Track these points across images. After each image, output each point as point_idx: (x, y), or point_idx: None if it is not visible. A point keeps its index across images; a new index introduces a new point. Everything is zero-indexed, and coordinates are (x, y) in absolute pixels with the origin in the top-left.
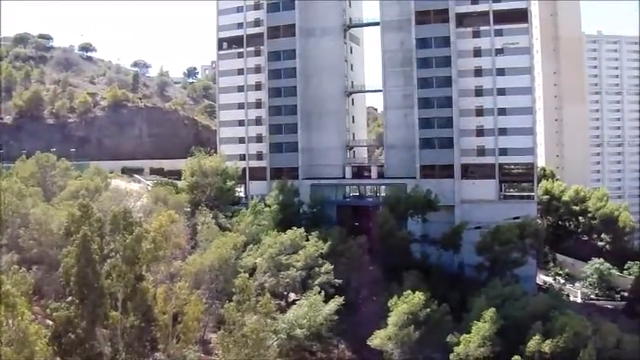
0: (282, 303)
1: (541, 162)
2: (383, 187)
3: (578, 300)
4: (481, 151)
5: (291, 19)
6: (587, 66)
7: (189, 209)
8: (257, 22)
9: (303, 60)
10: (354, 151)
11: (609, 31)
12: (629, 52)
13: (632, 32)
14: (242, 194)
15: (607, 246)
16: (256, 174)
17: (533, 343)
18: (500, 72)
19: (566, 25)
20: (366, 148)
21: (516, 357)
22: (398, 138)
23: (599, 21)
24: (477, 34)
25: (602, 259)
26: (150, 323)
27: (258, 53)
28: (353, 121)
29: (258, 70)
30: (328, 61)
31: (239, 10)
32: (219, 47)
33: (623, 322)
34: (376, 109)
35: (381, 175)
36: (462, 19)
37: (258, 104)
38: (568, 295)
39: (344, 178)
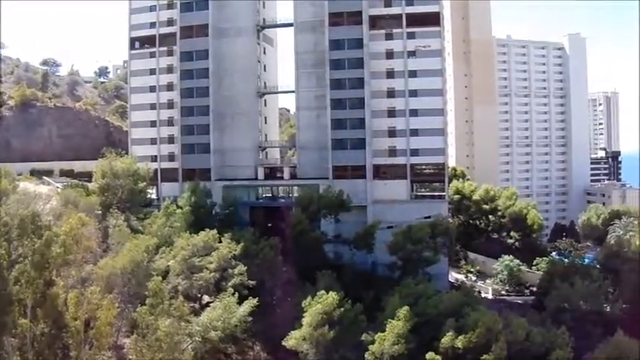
0: (196, 305)
1: (452, 162)
2: (295, 187)
3: (490, 296)
4: (393, 152)
5: (204, 19)
6: (497, 69)
7: (100, 212)
8: (170, 22)
9: (216, 60)
10: (266, 152)
11: (518, 36)
12: (536, 56)
13: (540, 37)
14: (154, 196)
15: (516, 243)
16: (168, 175)
17: (446, 339)
18: (412, 74)
19: (477, 29)
20: (278, 149)
21: (430, 353)
22: (310, 139)
23: (509, 26)
24: (389, 37)
25: (511, 256)
26: (61, 330)
27: (170, 53)
28: (265, 122)
29: (170, 70)
30: (241, 61)
31: (152, 9)
32: (131, 46)
33: (532, 316)
34: (289, 110)
35: (293, 176)
36: (375, 22)
37: (170, 105)
38: (479, 292)
39: (256, 179)
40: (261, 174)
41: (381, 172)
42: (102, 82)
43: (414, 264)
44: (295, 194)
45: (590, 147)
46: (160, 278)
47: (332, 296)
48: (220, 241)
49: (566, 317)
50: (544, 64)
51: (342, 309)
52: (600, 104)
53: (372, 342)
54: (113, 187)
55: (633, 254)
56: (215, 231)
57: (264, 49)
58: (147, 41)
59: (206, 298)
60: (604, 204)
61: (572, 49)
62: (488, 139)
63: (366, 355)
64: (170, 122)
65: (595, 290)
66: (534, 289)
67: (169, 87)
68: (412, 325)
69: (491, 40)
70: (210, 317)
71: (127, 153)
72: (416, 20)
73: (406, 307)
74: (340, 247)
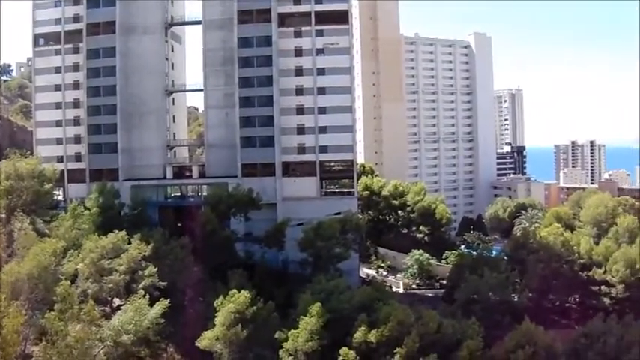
0: (107, 309)
1: (361, 159)
2: (205, 186)
3: (401, 290)
4: (302, 149)
5: (111, 16)
6: (405, 67)
7: (4, 215)
8: (76, 18)
9: (124, 58)
10: (174, 151)
11: (426, 34)
12: (443, 54)
13: (447, 35)
14: (61, 198)
15: (426, 237)
16: (75, 176)
17: (359, 334)
18: (321, 71)
19: (385, 27)
20: (187, 147)
21: (344, 348)
22: (219, 137)
23: (416, 24)
24: (298, 34)
25: (421, 250)
26: None
27: (76, 50)
28: (174, 121)
29: (76, 68)
30: (149, 59)
31: (57, 4)
32: (36, 44)
33: (443, 308)
34: (197, 109)
35: (202, 175)
36: (284, 20)
37: (76, 104)
38: (391, 286)
39: (165, 178)
40: (169, 173)
41: (290, 170)
42: (5, 81)
43: (325, 260)
44: (204, 193)
45: (496, 142)
46: (68, 282)
47: (244, 295)
48: (130, 243)
49: (476, 308)
50: (451, 61)
51: (255, 307)
52: (506, 101)
53: (286, 339)
54: (18, 190)
55: (538, 245)
56: (124, 232)
57: (173, 46)
58: (52, 38)
59: (117, 301)
60: (510, 197)
61: (478, 47)
62: (397, 136)
63: (280, 353)
64: (76, 122)
65: (503, 281)
66: (444, 281)
67: (75, 85)
68: (325, 321)
69: (400, 38)
70: (122, 320)
71: (32, 154)
72: (325, 18)
73: (318, 304)
74: (251, 245)
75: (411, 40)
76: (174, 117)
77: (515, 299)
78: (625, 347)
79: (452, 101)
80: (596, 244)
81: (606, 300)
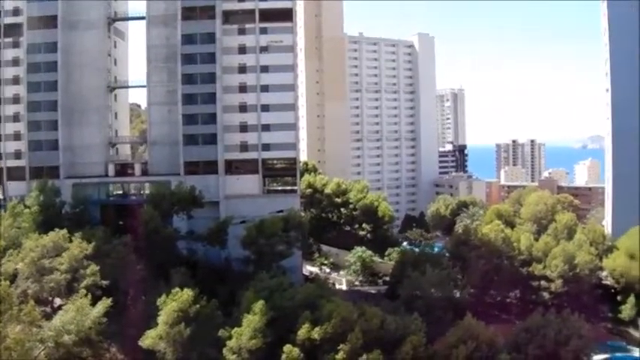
0: (48, 309)
1: (303, 156)
2: (147, 184)
3: (344, 287)
4: (245, 147)
5: (53, 10)
6: (349, 65)
7: None
8: (16, 12)
9: (65, 53)
10: (117, 149)
11: (370, 33)
12: (387, 53)
13: (391, 35)
14: (0, 196)
15: (368, 235)
16: (15, 174)
17: (303, 331)
18: (265, 69)
19: (329, 26)
20: (129, 145)
21: (288, 346)
22: (162, 134)
23: (361, 23)
24: (242, 32)
25: (364, 248)
26: None
27: (16, 45)
28: (116, 118)
29: (16, 62)
30: (91, 55)
31: None
32: None
33: (385, 305)
34: (140, 106)
35: (145, 173)
36: (228, 17)
37: (16, 99)
38: (334, 284)
39: (107, 176)
40: (111, 171)
41: (233, 168)
42: None
43: (268, 258)
44: (147, 191)
45: (438, 141)
46: (7, 282)
47: (187, 293)
48: (71, 241)
49: (419, 304)
50: (394, 61)
51: (198, 306)
52: (448, 100)
53: (230, 337)
54: None
55: (480, 242)
56: (65, 231)
57: (115, 42)
58: None
59: (58, 301)
60: (452, 195)
61: (421, 47)
62: (340, 134)
63: (224, 351)
64: (16, 118)
65: (445, 277)
66: (387, 278)
67: (15, 80)
68: (268, 318)
69: (343, 37)
70: (63, 321)
71: None
72: (269, 16)
73: (261, 301)
74: (194, 243)
75: (354, 39)
76: (116, 114)
77: (457, 295)
78: (563, 340)
79: (395, 100)
80: (536, 240)
81: (546, 295)
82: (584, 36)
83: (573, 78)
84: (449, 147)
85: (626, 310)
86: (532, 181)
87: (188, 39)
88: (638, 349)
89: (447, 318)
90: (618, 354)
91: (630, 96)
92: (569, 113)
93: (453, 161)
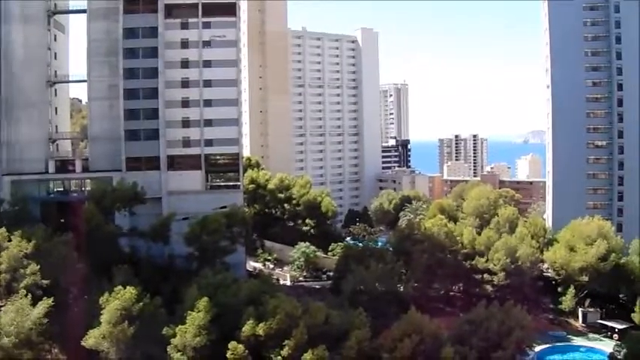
0: None
1: (247, 152)
2: (89, 181)
3: (288, 283)
4: (187, 143)
5: None
6: (292, 60)
7: None
8: None
9: (4, 47)
10: (57, 145)
11: (313, 28)
12: (330, 48)
13: (335, 30)
14: None
15: (312, 230)
16: None
17: (247, 328)
18: (207, 64)
19: (273, 21)
20: (70, 141)
21: (233, 342)
22: (103, 130)
23: (305, 18)
24: (185, 26)
25: (307, 243)
26: None
27: None
28: (56, 113)
29: None
30: (30, 48)
31: None
32: None
33: (330, 300)
34: (80, 101)
35: (86, 169)
36: (170, 10)
37: None
38: (278, 279)
39: (47, 172)
40: (52, 167)
41: (175, 163)
42: None
43: (211, 254)
44: (88, 188)
45: (381, 136)
46: None
47: (130, 291)
48: (10, 240)
49: (363, 299)
50: (338, 56)
51: (141, 304)
52: (391, 95)
53: (174, 335)
54: None
55: (423, 236)
56: (4, 229)
57: (55, 36)
58: None
59: None
60: (395, 190)
61: (364, 42)
62: (283, 129)
63: (168, 349)
64: None
65: (388, 272)
66: (331, 273)
67: None
68: (213, 315)
69: (287, 32)
70: (2, 322)
71: None
72: (212, 10)
73: (205, 298)
74: (136, 240)
75: (298, 34)
76: (56, 109)
77: (401, 289)
78: (506, 332)
79: (338, 95)
80: (479, 234)
81: (488, 287)
82: (526, 33)
83: (515, 74)
84: (392, 142)
85: (567, 301)
86: (474, 176)
87: (130, 33)
88: (578, 339)
89: (392, 312)
90: (559, 344)
91: (570, 92)
92: (511, 109)
93: (396, 156)
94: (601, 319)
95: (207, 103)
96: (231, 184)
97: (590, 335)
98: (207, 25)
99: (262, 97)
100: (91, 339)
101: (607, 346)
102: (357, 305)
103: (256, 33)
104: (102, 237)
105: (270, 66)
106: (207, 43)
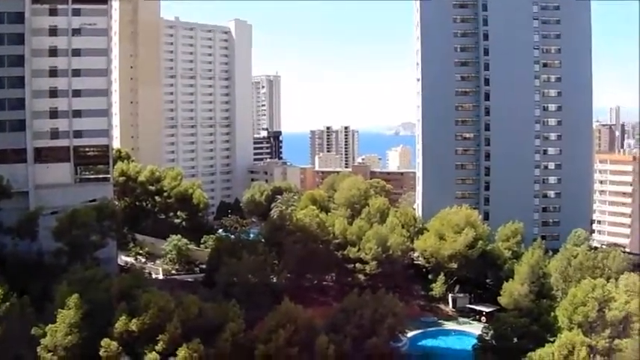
0: None
1: (117, 143)
2: None
3: (160, 276)
4: (55, 134)
5: None
6: (164, 50)
7: None
8: None
9: None
10: None
11: (186, 18)
12: (203, 39)
13: (207, 20)
14: None
15: (184, 223)
16: None
17: (120, 324)
18: (77, 52)
19: (145, 10)
20: None
21: (105, 339)
22: None
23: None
24: (54, 12)
25: (179, 236)
26: None
27: None
28: None
29: None
30: None
31: None
32: None
33: (203, 293)
34: None
35: None
36: None
37: None
38: (150, 273)
39: None
40: None
41: (43, 156)
42: None
43: (81, 249)
44: None
45: (253, 127)
46: None
47: None
48: None
49: (237, 291)
50: (211, 47)
51: (8, 303)
52: (263, 87)
53: (44, 335)
54: None
55: (295, 227)
56: None
57: None
58: None
59: None
60: (267, 181)
61: (238, 33)
62: (153, 120)
63: (38, 350)
64: None
65: (261, 263)
66: (204, 266)
67: None
68: (84, 312)
69: (159, 21)
70: None
71: None
72: None
73: (76, 295)
74: (2, 237)
75: (170, 24)
76: None
77: (275, 280)
78: (379, 319)
79: (210, 86)
80: (350, 224)
81: (361, 276)
82: (398, 28)
83: (387, 68)
84: (264, 134)
85: (437, 288)
86: (346, 167)
87: None
88: (449, 323)
89: (266, 303)
90: (431, 329)
91: (439, 85)
92: (382, 102)
93: (267, 148)
94: (470, 303)
95: (77, 93)
96: (101, 176)
97: (460, 319)
98: (77, 13)
99: (133, 88)
100: None
101: (476, 328)
102: (230, 297)
103: (128, 22)
104: None
105: (142, 56)
106: (77, 31)
